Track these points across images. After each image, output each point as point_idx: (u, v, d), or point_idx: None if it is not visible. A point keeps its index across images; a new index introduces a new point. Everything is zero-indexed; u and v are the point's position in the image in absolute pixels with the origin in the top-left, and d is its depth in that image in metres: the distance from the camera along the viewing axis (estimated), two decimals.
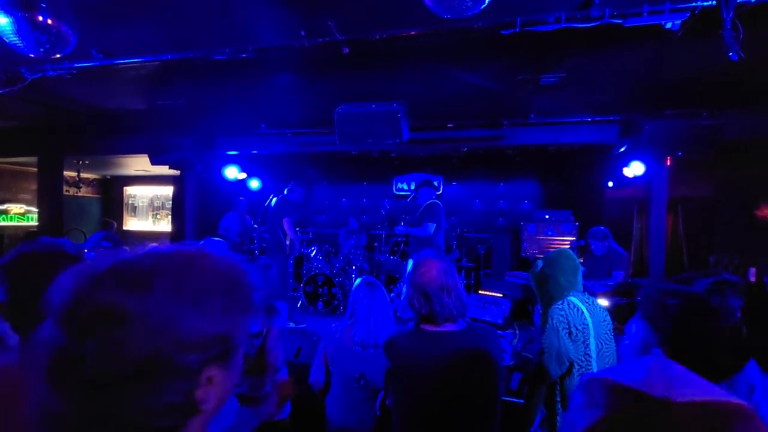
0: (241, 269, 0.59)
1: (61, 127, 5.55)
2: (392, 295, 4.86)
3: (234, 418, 1.53)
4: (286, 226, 4.77)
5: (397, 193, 7.23)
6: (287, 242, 5.03)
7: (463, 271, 5.53)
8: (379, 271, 5.62)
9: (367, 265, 5.62)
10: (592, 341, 1.90)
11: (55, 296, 0.50)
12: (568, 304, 1.94)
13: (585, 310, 1.93)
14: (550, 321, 1.94)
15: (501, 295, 4.48)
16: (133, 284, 0.49)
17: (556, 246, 5.83)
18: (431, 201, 4.46)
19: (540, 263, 2.15)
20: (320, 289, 5.09)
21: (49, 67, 3.13)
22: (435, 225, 4.30)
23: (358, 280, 2.22)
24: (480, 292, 4.73)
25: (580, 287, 2.06)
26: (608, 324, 2.01)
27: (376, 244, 5.87)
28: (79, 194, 8.63)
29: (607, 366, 1.92)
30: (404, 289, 1.67)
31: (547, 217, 6.00)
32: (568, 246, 5.72)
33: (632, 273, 6.21)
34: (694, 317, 0.96)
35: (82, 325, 0.47)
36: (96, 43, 2.94)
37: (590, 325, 1.91)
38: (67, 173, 7.80)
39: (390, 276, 5.62)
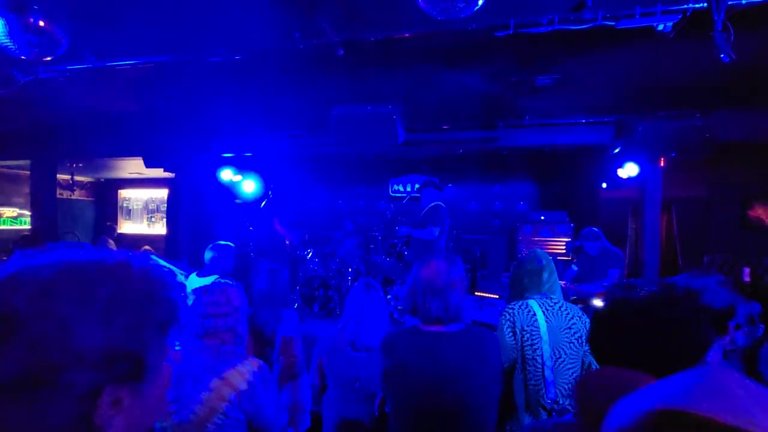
0: (164, 283, 0.54)
1: (54, 129, 5.52)
2: (389, 297, 4.86)
3: None
4: (278, 227, 4.77)
5: (394, 194, 7.24)
6: (287, 243, 5.03)
7: None
8: (375, 274, 5.61)
9: (363, 267, 5.61)
10: (544, 347, 1.83)
11: None
12: (521, 305, 1.92)
13: (539, 313, 1.88)
14: (499, 320, 1.95)
15: (497, 297, 4.49)
16: (32, 289, 0.45)
17: (552, 247, 5.85)
18: (435, 203, 4.42)
19: (513, 264, 2.19)
20: (316, 292, 5.08)
21: (41, 69, 3.11)
22: (439, 229, 4.26)
23: (357, 281, 2.23)
24: (476, 293, 4.74)
25: (550, 289, 2.01)
26: (574, 332, 1.89)
27: (372, 246, 5.87)
28: (73, 197, 8.56)
29: (567, 375, 1.83)
30: (406, 288, 1.67)
31: (542, 218, 6.03)
32: (563, 246, 5.75)
33: (627, 273, 6.24)
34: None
35: None
36: (89, 44, 2.92)
37: (543, 329, 1.85)
38: (60, 176, 7.74)
39: (386, 278, 5.62)
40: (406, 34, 2.60)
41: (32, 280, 0.46)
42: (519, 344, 1.86)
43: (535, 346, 1.83)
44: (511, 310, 1.92)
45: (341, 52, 2.74)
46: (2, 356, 0.42)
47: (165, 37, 2.82)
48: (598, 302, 3.62)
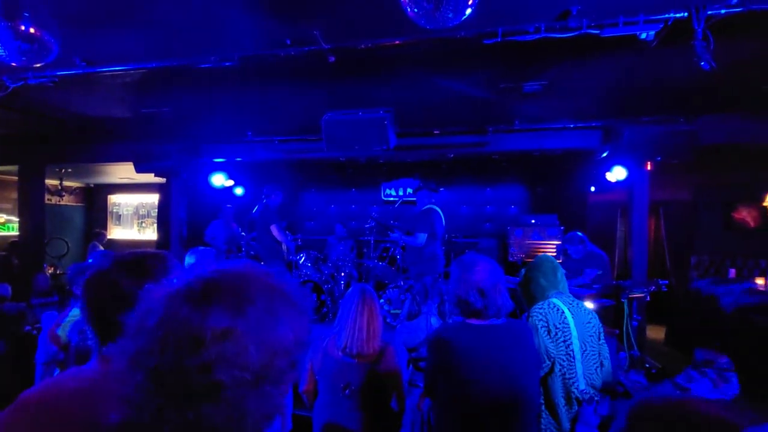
0: (292, 281, 0.67)
1: (43, 135, 5.46)
2: (381, 301, 4.87)
3: None
4: (275, 232, 4.75)
5: (386, 198, 7.27)
6: (283, 248, 5.02)
7: None
8: (368, 278, 5.62)
9: (355, 271, 5.61)
10: (575, 341, 1.94)
11: (163, 322, 0.54)
12: (548, 305, 2.00)
13: (566, 310, 1.98)
14: (530, 320, 2.00)
15: None
16: (238, 305, 0.55)
17: (543, 250, 5.92)
18: (427, 207, 4.40)
19: (524, 270, 2.24)
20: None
21: (31, 75, 3.10)
22: (426, 234, 4.24)
23: (353, 286, 2.21)
24: None
25: (563, 288, 2.11)
26: (594, 326, 2.04)
27: (364, 250, 5.88)
28: (62, 203, 8.46)
29: (591, 367, 1.96)
30: (451, 284, 1.77)
31: (533, 221, 6.09)
32: (554, 249, 5.82)
33: (617, 275, 6.33)
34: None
35: (203, 347, 0.51)
36: (79, 51, 2.92)
37: (571, 324, 1.95)
38: (49, 182, 7.65)
39: (379, 282, 5.63)
40: (397, 41, 2.63)
41: (232, 297, 0.56)
42: (555, 342, 1.94)
43: (568, 342, 1.94)
44: (542, 310, 2.00)
45: (332, 58, 2.77)
46: (244, 358, 0.53)
47: (155, 43, 2.83)
48: (589, 304, 3.67)
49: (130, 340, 0.55)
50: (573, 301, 2.07)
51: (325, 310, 5.02)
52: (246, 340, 0.53)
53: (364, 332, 1.99)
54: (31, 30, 2.05)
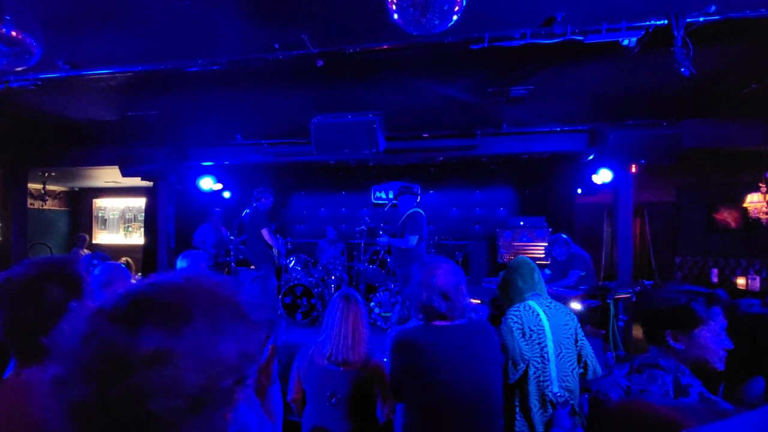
0: (245, 291, 0.62)
1: (26, 138, 5.35)
2: (372, 304, 4.87)
3: None
4: (266, 236, 4.72)
5: (376, 201, 7.27)
6: (274, 252, 4.98)
7: None
8: (358, 281, 5.62)
9: (346, 274, 5.60)
10: (549, 343, 1.93)
11: (84, 344, 0.47)
12: (524, 307, 2.01)
13: (541, 312, 1.98)
14: (504, 323, 2.00)
15: (479, 302, 4.55)
16: (172, 323, 0.49)
17: (532, 251, 5.99)
18: (413, 210, 4.45)
19: (503, 272, 2.25)
20: (299, 300, 5.05)
21: (12, 78, 3.04)
22: (417, 237, 4.29)
23: (337, 292, 2.18)
24: None
25: (540, 290, 2.11)
26: (570, 328, 2.03)
27: (355, 253, 5.87)
28: (45, 207, 8.29)
29: (566, 369, 1.94)
30: (411, 288, 1.76)
31: (522, 223, 6.16)
32: (542, 251, 5.89)
33: (604, 276, 6.43)
34: None
35: (130, 373, 0.45)
36: (63, 54, 2.87)
37: (546, 327, 1.95)
38: (31, 186, 7.49)
39: (369, 285, 5.62)
40: (385, 46, 2.65)
41: (165, 314, 0.50)
42: (530, 344, 1.94)
43: (543, 344, 1.93)
44: (517, 313, 1.99)
45: (321, 62, 2.78)
46: (179, 381, 0.47)
47: (142, 47, 2.80)
48: (575, 305, 3.72)
49: (52, 364, 0.48)
50: (550, 303, 2.06)
51: (315, 314, 5.00)
52: (182, 363, 0.47)
53: (350, 339, 1.95)
54: (13, 33, 2.01)
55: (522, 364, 1.92)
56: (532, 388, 1.92)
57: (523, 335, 1.94)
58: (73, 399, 0.45)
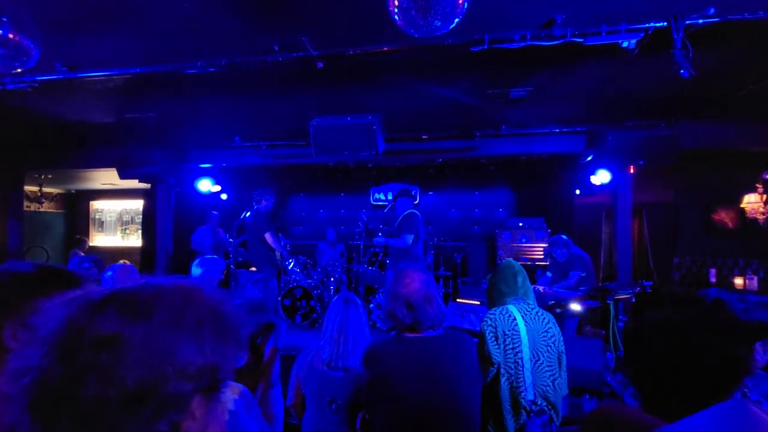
0: (231, 304, 0.61)
1: (23, 140, 5.32)
2: (371, 306, 4.85)
3: None
4: (269, 240, 4.70)
5: (375, 203, 7.26)
6: (277, 255, 4.96)
7: (441, 279, 5.59)
8: (357, 283, 5.60)
9: (345, 276, 5.59)
10: (524, 349, 1.88)
11: (47, 324, 0.49)
12: (501, 311, 1.97)
13: (519, 317, 1.94)
14: (481, 326, 1.98)
15: (478, 303, 4.55)
16: (133, 313, 0.50)
17: (531, 252, 5.99)
18: (409, 211, 4.48)
19: (489, 276, 2.23)
20: (298, 303, 5.02)
21: (9, 80, 3.02)
22: (413, 236, 4.32)
23: (336, 296, 2.16)
24: (458, 300, 4.79)
25: (525, 294, 2.07)
26: (551, 335, 1.96)
27: (354, 254, 5.86)
28: (42, 209, 8.24)
29: (545, 377, 1.89)
30: (383, 300, 1.70)
31: (521, 224, 6.16)
32: (541, 252, 5.89)
33: (603, 276, 6.44)
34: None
35: (79, 352, 0.46)
36: (60, 55, 2.86)
37: (522, 332, 1.90)
38: (28, 188, 7.45)
39: (369, 287, 5.61)
40: (385, 48, 2.65)
41: (131, 304, 0.51)
42: (502, 348, 1.90)
43: (517, 350, 1.88)
44: (492, 316, 1.96)
45: (321, 64, 2.77)
46: (123, 372, 0.46)
47: (140, 49, 2.79)
48: (575, 306, 3.71)
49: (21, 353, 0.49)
50: (532, 308, 2.01)
51: (314, 316, 4.98)
52: (129, 352, 0.46)
53: (350, 344, 1.92)
54: (10, 35, 2.00)
55: (492, 368, 1.88)
56: (505, 394, 1.87)
57: (496, 339, 1.90)
58: (34, 377, 0.46)
